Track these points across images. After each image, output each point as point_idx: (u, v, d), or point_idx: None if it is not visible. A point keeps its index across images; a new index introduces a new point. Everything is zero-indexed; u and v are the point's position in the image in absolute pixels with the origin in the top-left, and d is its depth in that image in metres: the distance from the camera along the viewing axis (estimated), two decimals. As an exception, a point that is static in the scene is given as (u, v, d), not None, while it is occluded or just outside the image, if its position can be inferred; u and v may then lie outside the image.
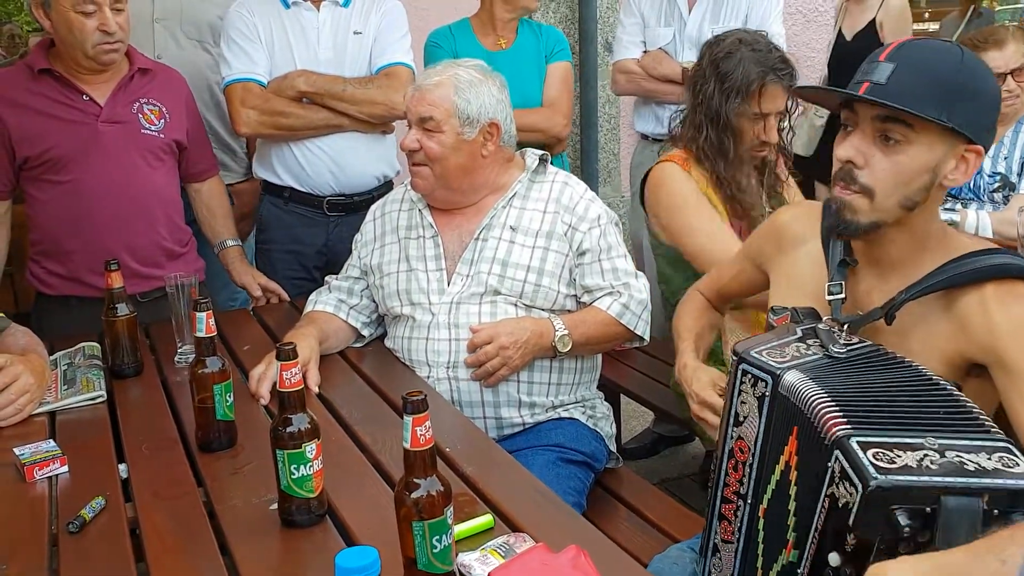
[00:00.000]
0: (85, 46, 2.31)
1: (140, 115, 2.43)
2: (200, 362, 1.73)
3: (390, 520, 1.37)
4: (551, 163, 2.27)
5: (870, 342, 1.44)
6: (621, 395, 2.95)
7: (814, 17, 5.08)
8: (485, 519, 1.43)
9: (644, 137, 3.38)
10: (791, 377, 1.36)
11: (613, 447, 2.23)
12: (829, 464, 1.21)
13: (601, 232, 2.11)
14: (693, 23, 3.10)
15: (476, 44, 3.00)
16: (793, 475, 1.34)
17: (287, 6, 2.65)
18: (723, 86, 2.22)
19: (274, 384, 1.95)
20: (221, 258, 2.69)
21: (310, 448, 1.43)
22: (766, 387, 1.39)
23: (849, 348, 1.42)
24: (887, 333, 1.45)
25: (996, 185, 3.09)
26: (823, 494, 1.23)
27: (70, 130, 2.36)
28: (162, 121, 2.47)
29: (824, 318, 1.50)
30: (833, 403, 1.27)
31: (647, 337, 2.17)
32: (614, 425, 2.28)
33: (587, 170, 4.65)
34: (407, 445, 1.20)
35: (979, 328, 1.38)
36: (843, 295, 1.51)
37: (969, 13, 5.94)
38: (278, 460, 1.44)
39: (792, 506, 1.34)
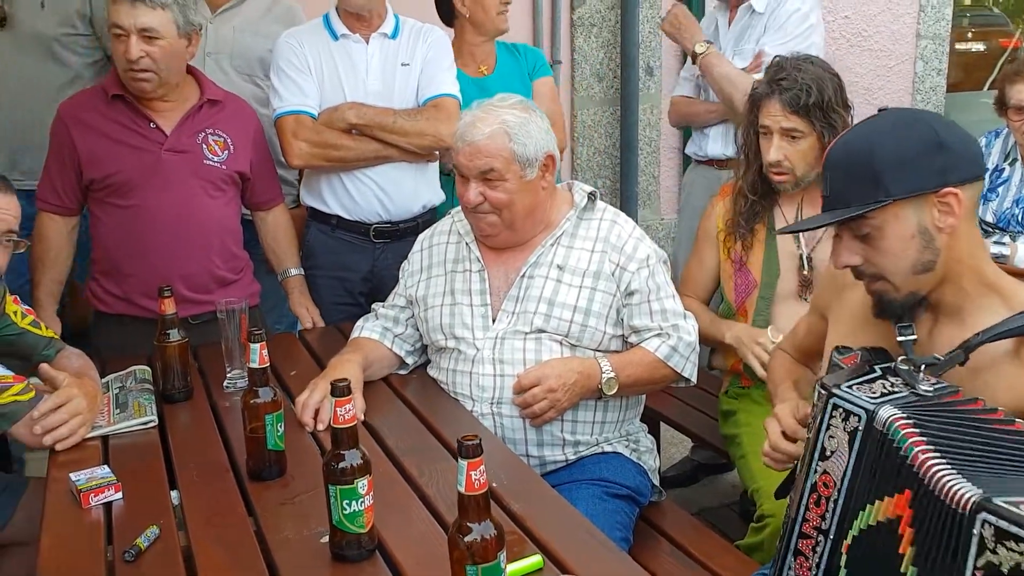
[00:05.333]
0: (119, 70, 2.39)
1: (204, 145, 2.48)
2: (252, 392, 1.76)
3: (439, 555, 1.39)
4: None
5: (951, 384, 1.45)
6: (660, 423, 2.94)
7: (857, 42, 5.05)
8: (534, 560, 1.44)
9: (689, 159, 3.44)
10: (885, 413, 1.37)
11: (656, 480, 2.23)
12: (974, 531, 1.19)
13: (650, 272, 2.11)
14: (725, 50, 3.12)
15: (459, 72, 2.97)
16: (907, 535, 1.32)
17: (336, 38, 2.69)
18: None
19: (317, 411, 1.99)
20: (284, 286, 2.76)
21: (362, 484, 1.45)
22: (859, 422, 1.40)
23: (935, 387, 1.43)
24: (957, 374, 1.47)
25: (1045, 218, 3.06)
26: (971, 567, 1.20)
27: (135, 156, 2.42)
28: (226, 152, 2.51)
29: (898, 358, 1.51)
30: (953, 470, 1.28)
31: (694, 379, 2.17)
32: (657, 458, 2.28)
33: (626, 193, 4.65)
34: (461, 489, 1.21)
35: None
36: (915, 336, 1.52)
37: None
38: (330, 495, 1.46)
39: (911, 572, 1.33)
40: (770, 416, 1.74)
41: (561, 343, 2.09)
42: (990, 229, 3.17)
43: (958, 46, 7.69)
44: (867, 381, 1.45)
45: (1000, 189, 3.18)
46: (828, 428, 1.43)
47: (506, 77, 3.04)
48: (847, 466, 1.40)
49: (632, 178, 4.64)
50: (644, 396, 2.28)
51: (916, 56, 5.22)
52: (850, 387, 1.43)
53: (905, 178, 1.43)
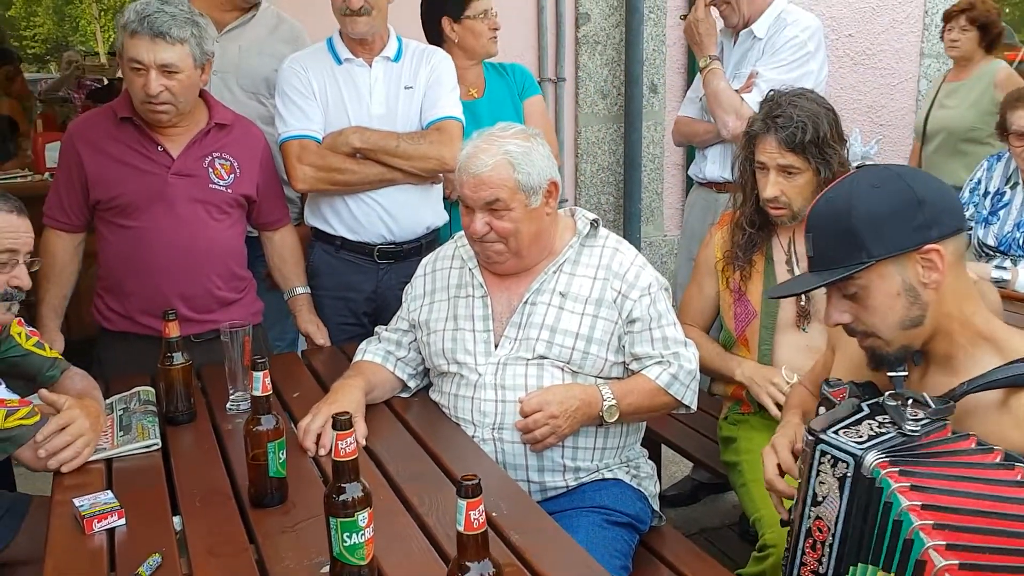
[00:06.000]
0: (135, 101, 2.40)
1: (210, 169, 2.49)
2: (255, 419, 1.76)
3: (438, 588, 1.40)
4: None
5: (938, 419, 1.47)
6: (661, 445, 2.95)
7: (861, 60, 5.07)
8: (533, 593, 1.45)
9: (691, 180, 3.46)
10: (872, 458, 1.40)
11: (656, 505, 2.23)
12: None
13: (651, 300, 2.12)
14: (726, 72, 3.14)
15: None
16: None
17: (339, 62, 2.71)
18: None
19: (319, 436, 2.01)
20: (290, 304, 2.78)
21: (362, 517, 1.46)
22: (847, 468, 1.42)
23: (922, 425, 1.45)
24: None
25: (1047, 243, 3.06)
26: None
27: (141, 179, 2.43)
28: (232, 176, 2.52)
29: (886, 393, 1.53)
30: None
31: (694, 407, 2.18)
32: (658, 484, 2.29)
33: (630, 209, 4.67)
34: (461, 528, 1.23)
35: None
36: (906, 372, 1.55)
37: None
38: (331, 527, 1.47)
39: None
40: (768, 445, 1.76)
41: (563, 370, 2.10)
42: (992, 253, 3.18)
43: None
44: (854, 423, 1.47)
45: (1001, 212, 3.19)
46: (818, 474, 1.45)
47: (496, 99, 3.07)
48: (839, 511, 1.42)
49: (635, 195, 4.66)
50: (645, 422, 2.29)
51: (920, 75, 5.24)
52: (836, 432, 1.45)
53: (885, 238, 1.46)
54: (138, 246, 2.45)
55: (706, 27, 3.08)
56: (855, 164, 4.28)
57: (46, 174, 4.30)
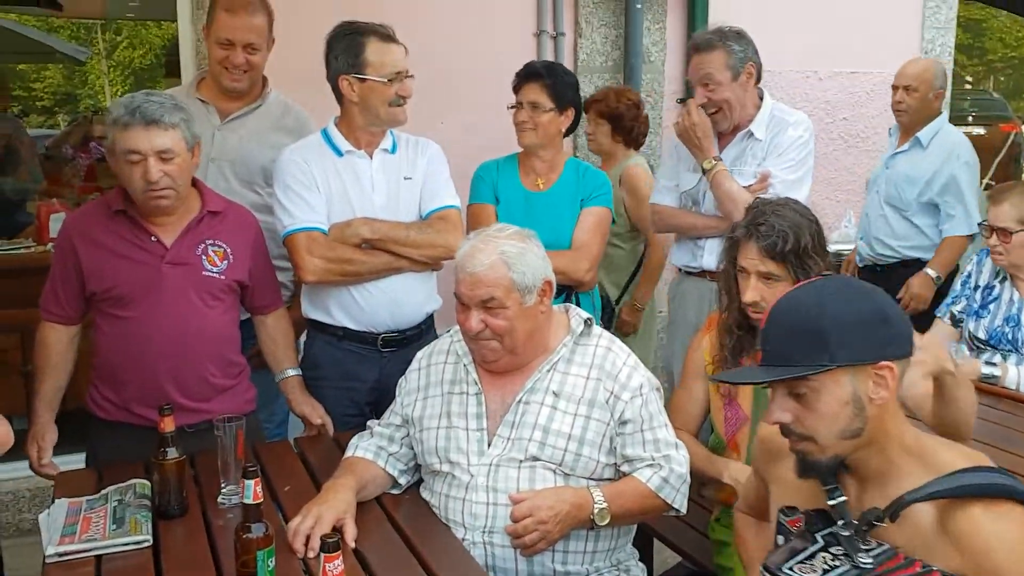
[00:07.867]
0: (136, 193, 2.42)
1: (204, 256, 2.51)
2: (245, 527, 1.78)
3: None
4: (579, 301, 2.30)
5: (888, 546, 1.49)
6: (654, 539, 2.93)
7: (855, 142, 5.15)
8: None
9: (679, 269, 3.46)
10: None
11: (646, 608, 2.23)
12: None
13: (643, 402, 2.14)
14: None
15: (516, 182, 3.14)
16: None
17: (340, 154, 2.76)
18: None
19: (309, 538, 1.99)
20: (282, 387, 2.79)
21: (349, 639, 1.47)
22: None
23: (873, 556, 1.47)
24: (893, 538, 1.51)
25: (1036, 339, 3.09)
26: None
27: (135, 270, 2.46)
28: (225, 263, 2.54)
29: (839, 522, 1.55)
30: None
31: (684, 511, 2.19)
32: (647, 586, 2.29)
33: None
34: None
35: (972, 548, 1.44)
36: (844, 497, 1.57)
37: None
38: (317, 649, 1.48)
39: None
40: None
41: (555, 472, 2.11)
42: (982, 346, 3.21)
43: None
44: (809, 557, 1.49)
45: (991, 306, 3.23)
46: None
47: (556, 198, 3.11)
48: None
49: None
50: (636, 524, 2.30)
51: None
52: (791, 568, 1.47)
53: (850, 346, 1.48)
54: (134, 336, 2.47)
55: (703, 130, 3.14)
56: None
57: (49, 244, 4.34)
